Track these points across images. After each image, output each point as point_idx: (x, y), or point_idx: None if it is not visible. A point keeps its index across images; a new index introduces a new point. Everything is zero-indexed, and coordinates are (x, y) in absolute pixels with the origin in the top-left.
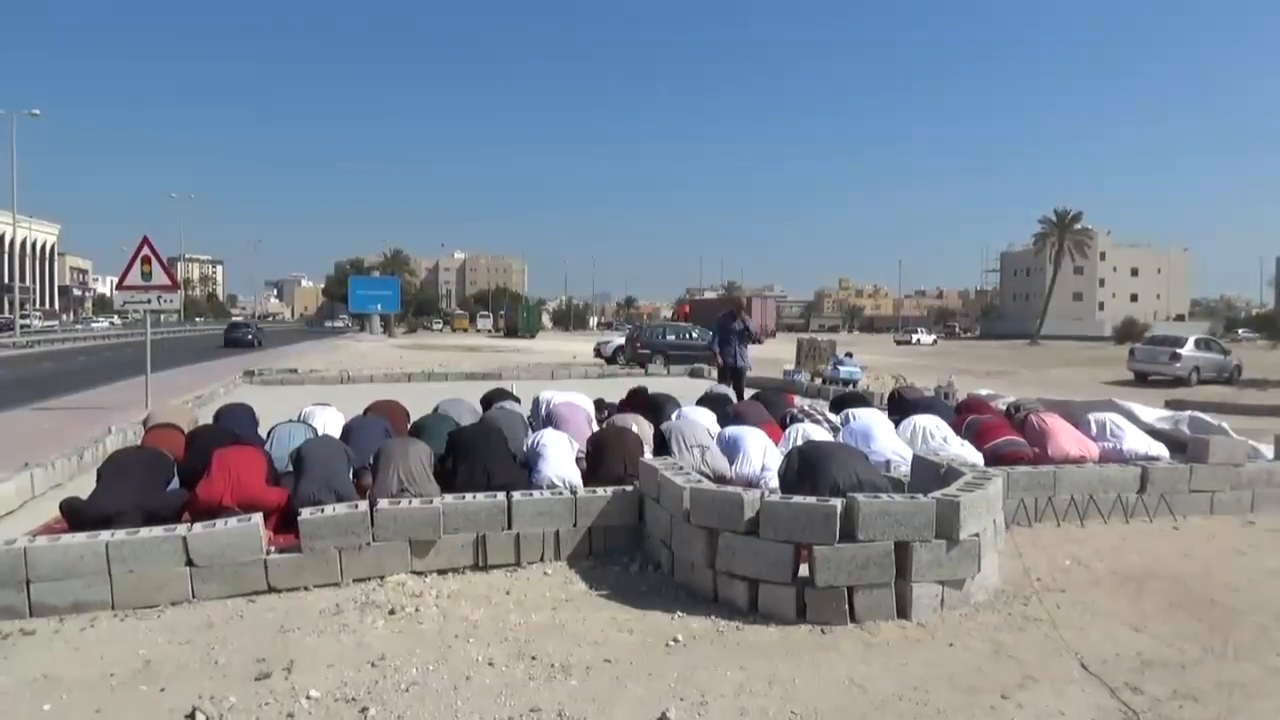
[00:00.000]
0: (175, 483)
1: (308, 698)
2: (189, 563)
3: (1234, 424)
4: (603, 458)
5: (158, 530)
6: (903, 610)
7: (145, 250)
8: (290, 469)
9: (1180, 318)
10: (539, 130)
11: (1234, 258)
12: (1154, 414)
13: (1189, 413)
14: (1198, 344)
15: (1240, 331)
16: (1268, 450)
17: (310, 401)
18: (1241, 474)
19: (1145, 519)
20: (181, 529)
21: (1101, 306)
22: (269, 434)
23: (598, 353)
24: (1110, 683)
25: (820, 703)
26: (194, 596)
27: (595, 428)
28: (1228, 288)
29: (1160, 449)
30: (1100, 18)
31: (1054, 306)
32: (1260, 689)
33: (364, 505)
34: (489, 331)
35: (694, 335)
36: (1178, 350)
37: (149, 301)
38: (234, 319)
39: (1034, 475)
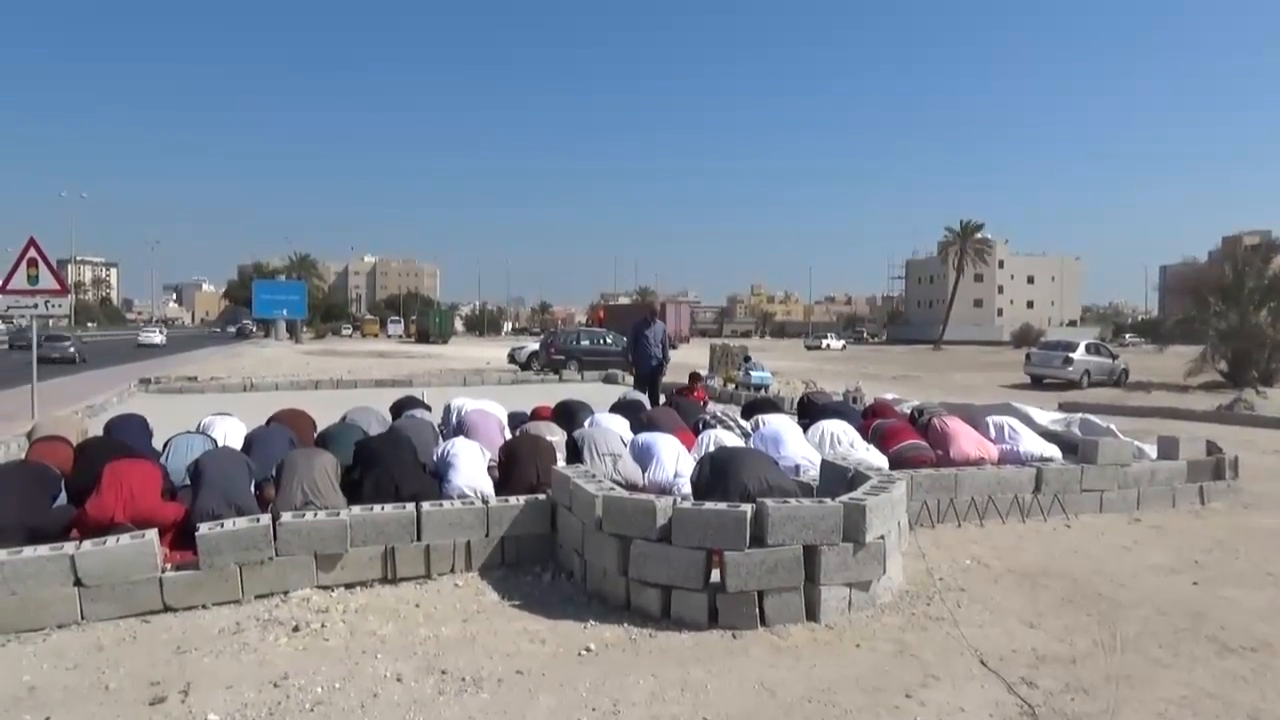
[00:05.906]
0: (63, 498)
1: None
2: (77, 582)
3: (1120, 425)
4: (515, 466)
5: (43, 549)
6: (811, 613)
7: (31, 252)
8: (188, 482)
9: (1073, 323)
10: (450, 132)
11: (1122, 266)
12: (1048, 416)
13: (1080, 415)
14: (1088, 348)
15: (1127, 336)
16: (1151, 450)
17: (210, 411)
18: (1128, 474)
19: (1040, 518)
20: (69, 547)
21: (1000, 313)
22: (165, 445)
23: (512, 358)
24: (1007, 678)
25: (731, 707)
26: (83, 618)
27: (508, 435)
28: (1116, 295)
29: (1054, 450)
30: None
31: (956, 312)
32: (1145, 679)
33: (266, 519)
34: (400, 337)
35: (608, 341)
36: (1070, 354)
37: (35, 306)
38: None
39: (936, 477)
